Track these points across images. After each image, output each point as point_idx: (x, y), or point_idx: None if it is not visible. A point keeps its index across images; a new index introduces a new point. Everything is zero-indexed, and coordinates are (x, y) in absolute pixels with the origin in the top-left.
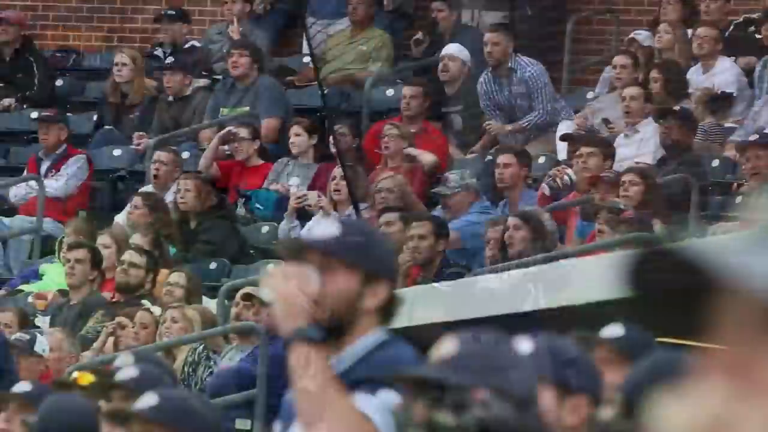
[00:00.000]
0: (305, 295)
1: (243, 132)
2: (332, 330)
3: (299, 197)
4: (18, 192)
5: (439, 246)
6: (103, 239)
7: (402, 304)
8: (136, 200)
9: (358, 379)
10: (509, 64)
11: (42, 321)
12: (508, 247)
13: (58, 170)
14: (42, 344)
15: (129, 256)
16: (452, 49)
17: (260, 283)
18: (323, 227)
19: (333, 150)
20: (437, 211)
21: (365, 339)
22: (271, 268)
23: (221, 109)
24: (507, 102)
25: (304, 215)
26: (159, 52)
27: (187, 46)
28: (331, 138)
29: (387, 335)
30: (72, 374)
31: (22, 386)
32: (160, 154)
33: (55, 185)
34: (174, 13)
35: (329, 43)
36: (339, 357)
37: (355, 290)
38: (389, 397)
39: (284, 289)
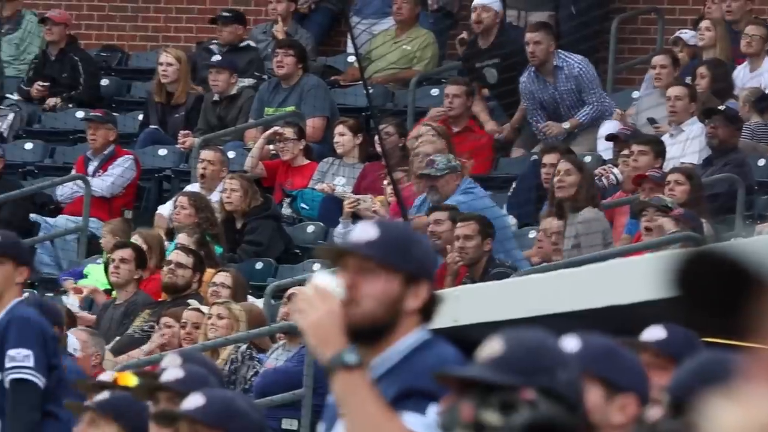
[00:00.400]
0: (333, 318)
1: (289, 132)
2: (374, 332)
3: (352, 201)
4: (64, 191)
5: (486, 246)
6: (135, 240)
7: (443, 304)
8: (182, 200)
9: (406, 391)
10: (554, 62)
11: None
12: (556, 192)
13: (106, 170)
14: (74, 344)
15: (175, 256)
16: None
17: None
18: (362, 230)
19: (378, 149)
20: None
21: (407, 339)
22: (298, 294)
23: (266, 108)
24: (551, 100)
25: (359, 217)
26: (214, 49)
27: (242, 45)
28: (376, 137)
29: (429, 335)
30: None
31: (101, 395)
32: (207, 154)
33: (102, 185)
34: (230, 14)
35: (374, 42)
36: (381, 357)
37: (397, 292)
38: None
39: (311, 318)
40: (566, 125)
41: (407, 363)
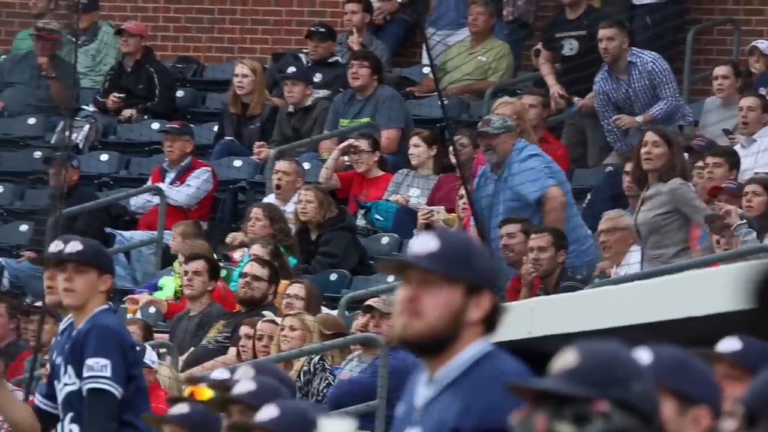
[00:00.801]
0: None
1: (363, 144)
2: (437, 344)
3: (426, 213)
4: (137, 202)
5: (559, 257)
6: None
7: (506, 315)
8: (256, 212)
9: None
10: (627, 59)
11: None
12: (644, 164)
13: (183, 182)
14: (151, 356)
15: (250, 268)
16: None
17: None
18: (422, 241)
19: (453, 161)
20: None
21: (469, 350)
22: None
23: (341, 120)
24: (625, 99)
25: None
26: (303, 59)
27: (331, 60)
28: (450, 149)
29: (491, 346)
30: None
31: (180, 408)
32: (282, 165)
33: (179, 196)
34: (324, 30)
35: (449, 53)
36: (444, 369)
37: (459, 304)
38: None
39: None
40: (639, 119)
41: (470, 375)
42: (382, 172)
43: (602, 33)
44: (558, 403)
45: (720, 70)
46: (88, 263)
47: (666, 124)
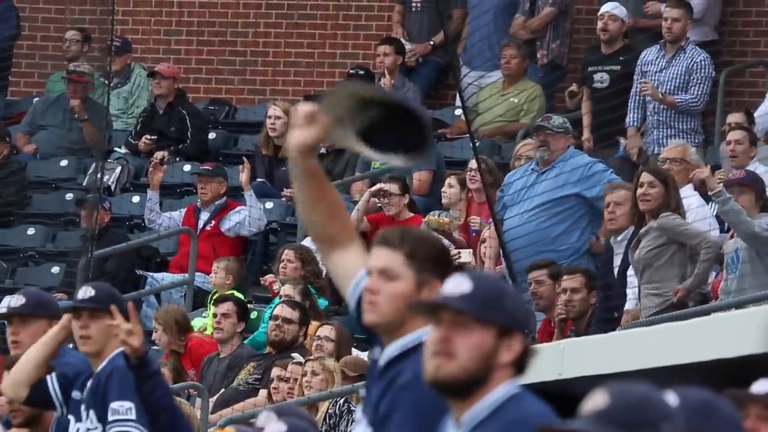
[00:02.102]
0: None
1: (394, 187)
2: (468, 386)
3: (452, 254)
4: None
5: (591, 299)
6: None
7: (535, 357)
8: (288, 254)
9: None
10: (681, 43)
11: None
12: (641, 204)
13: (218, 222)
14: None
15: (281, 310)
16: (610, 7)
17: None
18: (455, 283)
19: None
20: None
21: (497, 392)
22: None
23: (373, 162)
24: (663, 78)
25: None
26: None
27: None
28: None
29: (518, 389)
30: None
31: None
32: None
33: (228, 225)
34: (363, 72)
35: (481, 95)
36: (472, 411)
37: (490, 346)
38: None
39: None
40: (660, 95)
41: (496, 417)
42: (412, 214)
43: (668, 13)
44: None
45: (732, 117)
46: (101, 309)
47: (680, 117)
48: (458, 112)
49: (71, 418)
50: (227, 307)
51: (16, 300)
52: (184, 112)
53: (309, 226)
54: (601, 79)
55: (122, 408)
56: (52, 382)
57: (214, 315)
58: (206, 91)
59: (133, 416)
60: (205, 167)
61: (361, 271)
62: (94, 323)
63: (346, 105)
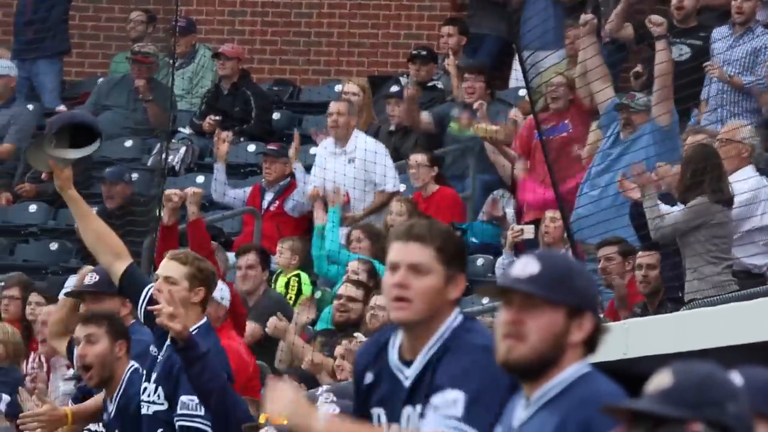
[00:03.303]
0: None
1: (421, 159)
2: (540, 367)
3: (516, 232)
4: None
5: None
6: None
7: (606, 335)
8: (356, 233)
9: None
10: (750, 24)
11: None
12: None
13: (282, 202)
14: (222, 292)
15: (345, 289)
16: None
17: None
18: (523, 264)
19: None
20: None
21: (568, 371)
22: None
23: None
24: (730, 57)
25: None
26: (402, 82)
27: (430, 84)
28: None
29: (588, 368)
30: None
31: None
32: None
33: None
34: (426, 53)
35: (544, 75)
36: (542, 390)
37: (561, 326)
38: None
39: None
40: (728, 77)
41: (566, 395)
42: (438, 186)
43: None
44: (653, 423)
45: None
46: (105, 293)
47: (744, 96)
48: (522, 92)
49: (144, 372)
50: (251, 258)
51: (89, 278)
52: (248, 92)
53: (87, 244)
54: (681, 51)
55: (192, 403)
56: (147, 291)
57: (239, 267)
58: (270, 72)
59: (201, 412)
60: (270, 147)
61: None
62: (98, 307)
63: (41, 154)
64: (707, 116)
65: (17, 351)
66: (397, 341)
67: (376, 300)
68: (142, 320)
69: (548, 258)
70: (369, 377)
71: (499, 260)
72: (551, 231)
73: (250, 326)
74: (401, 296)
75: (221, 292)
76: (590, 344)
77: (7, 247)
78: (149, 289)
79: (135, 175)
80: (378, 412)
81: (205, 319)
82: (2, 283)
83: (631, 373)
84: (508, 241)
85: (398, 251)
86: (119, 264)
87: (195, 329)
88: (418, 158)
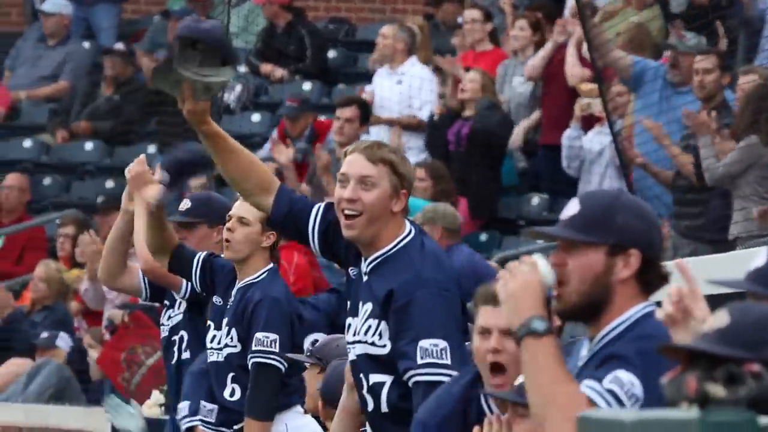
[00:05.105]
0: (528, 288)
1: (475, 14)
2: (589, 309)
3: (584, 104)
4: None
5: (724, 79)
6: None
7: (664, 272)
8: (419, 172)
9: (606, 357)
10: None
11: None
12: None
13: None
14: None
15: None
16: None
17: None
18: (568, 206)
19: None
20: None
21: (629, 312)
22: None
23: None
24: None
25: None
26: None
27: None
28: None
29: (648, 308)
30: None
31: None
32: None
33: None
34: None
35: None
36: (603, 332)
37: (602, 266)
38: (622, 378)
39: (508, 287)
40: None
41: (627, 334)
42: (493, 46)
43: None
44: (710, 364)
45: None
46: (196, 222)
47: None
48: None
49: (210, 323)
50: (351, 111)
51: (183, 204)
52: (303, 30)
53: (229, 182)
54: None
55: (267, 339)
56: (198, 260)
57: (337, 118)
58: (326, 10)
59: (276, 348)
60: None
61: (316, 206)
62: (191, 233)
63: (173, 75)
64: (761, 57)
65: (61, 288)
66: None
67: None
68: (318, 250)
69: (590, 198)
70: None
71: (566, 133)
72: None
73: None
74: None
75: None
76: (644, 282)
77: (62, 184)
78: (318, 209)
79: None
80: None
81: (271, 265)
82: (57, 221)
83: None
84: (575, 114)
85: (490, 315)
86: (267, 198)
87: (260, 275)
88: (473, 14)
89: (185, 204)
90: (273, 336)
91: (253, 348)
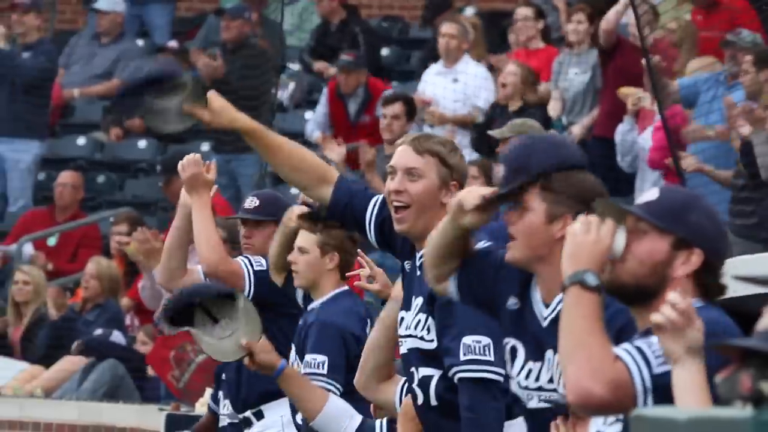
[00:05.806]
0: (595, 245)
1: (527, 12)
2: (639, 293)
3: (635, 99)
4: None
5: None
6: None
7: (722, 283)
8: (472, 169)
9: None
10: None
11: None
12: None
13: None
14: None
15: None
16: None
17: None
18: (648, 192)
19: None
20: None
21: None
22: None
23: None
24: None
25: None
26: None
27: None
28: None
29: (701, 302)
30: None
31: None
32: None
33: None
34: None
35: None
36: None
37: (663, 255)
38: (653, 340)
39: (577, 238)
40: None
41: None
42: (544, 44)
43: None
44: (764, 362)
45: None
46: (265, 220)
47: None
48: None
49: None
50: (397, 108)
51: (249, 202)
52: (356, 28)
53: (282, 178)
54: None
55: (314, 361)
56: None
57: (384, 116)
58: (380, 7)
59: (324, 370)
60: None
61: (375, 197)
62: (258, 232)
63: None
64: None
65: (113, 286)
66: None
67: None
68: (375, 242)
69: (671, 190)
70: None
71: (620, 127)
72: None
73: None
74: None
75: None
76: (703, 285)
77: (116, 182)
78: (376, 201)
79: None
80: None
81: (339, 289)
82: (111, 219)
83: (739, 312)
84: (628, 109)
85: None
86: (326, 189)
87: (325, 299)
88: (523, 11)
89: (252, 202)
90: (321, 358)
91: (303, 370)
